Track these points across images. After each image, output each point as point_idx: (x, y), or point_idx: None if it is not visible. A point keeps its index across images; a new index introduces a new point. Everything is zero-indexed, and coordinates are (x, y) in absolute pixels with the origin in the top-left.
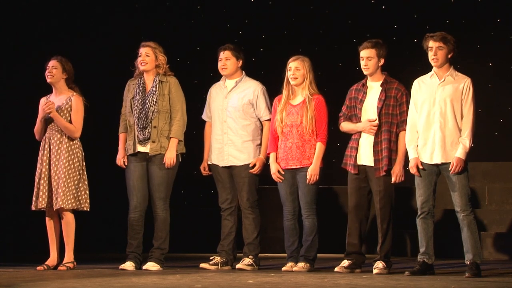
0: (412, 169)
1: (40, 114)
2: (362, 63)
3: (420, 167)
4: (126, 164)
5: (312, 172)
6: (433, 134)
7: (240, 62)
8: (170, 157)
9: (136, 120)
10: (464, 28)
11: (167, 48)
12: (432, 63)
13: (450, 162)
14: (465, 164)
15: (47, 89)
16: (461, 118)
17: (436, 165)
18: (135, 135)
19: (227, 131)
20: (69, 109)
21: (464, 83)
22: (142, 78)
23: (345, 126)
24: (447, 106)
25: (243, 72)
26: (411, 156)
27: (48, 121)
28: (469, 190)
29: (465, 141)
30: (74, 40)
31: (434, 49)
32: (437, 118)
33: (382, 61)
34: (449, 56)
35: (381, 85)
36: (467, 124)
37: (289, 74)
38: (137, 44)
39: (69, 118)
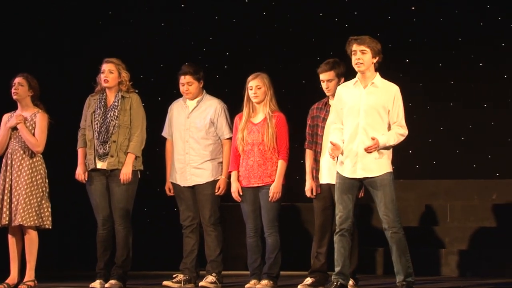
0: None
1: (3, 130)
2: (324, 85)
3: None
4: (86, 179)
5: (275, 190)
6: (356, 146)
7: (202, 83)
8: (126, 173)
9: (97, 134)
10: (426, 47)
11: (131, 65)
12: (356, 68)
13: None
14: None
15: (12, 106)
16: (387, 129)
17: (358, 179)
18: (95, 149)
19: (189, 151)
20: (33, 125)
21: (391, 91)
22: (104, 94)
23: (306, 159)
24: (371, 116)
25: (203, 90)
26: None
27: (11, 136)
28: (397, 204)
29: (398, 130)
30: (39, 57)
31: (358, 52)
32: (361, 129)
33: (342, 80)
34: (374, 61)
35: None
36: (401, 128)
37: (250, 93)
38: (101, 61)
39: (32, 134)
